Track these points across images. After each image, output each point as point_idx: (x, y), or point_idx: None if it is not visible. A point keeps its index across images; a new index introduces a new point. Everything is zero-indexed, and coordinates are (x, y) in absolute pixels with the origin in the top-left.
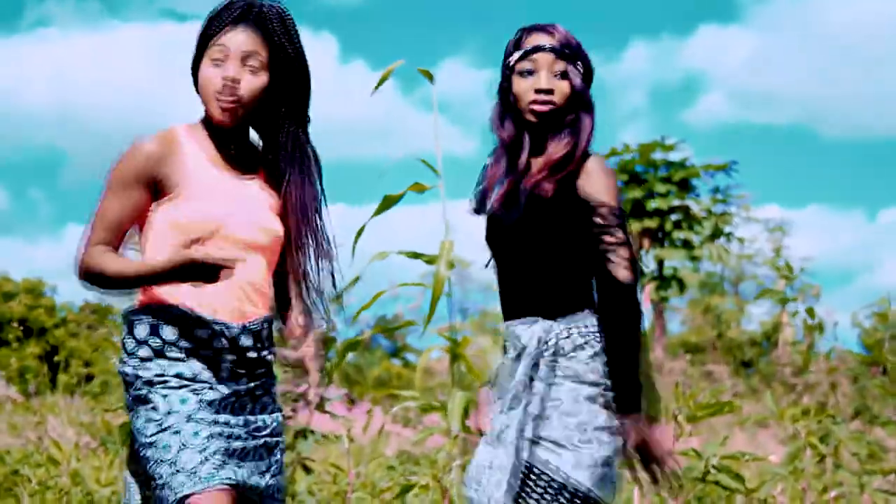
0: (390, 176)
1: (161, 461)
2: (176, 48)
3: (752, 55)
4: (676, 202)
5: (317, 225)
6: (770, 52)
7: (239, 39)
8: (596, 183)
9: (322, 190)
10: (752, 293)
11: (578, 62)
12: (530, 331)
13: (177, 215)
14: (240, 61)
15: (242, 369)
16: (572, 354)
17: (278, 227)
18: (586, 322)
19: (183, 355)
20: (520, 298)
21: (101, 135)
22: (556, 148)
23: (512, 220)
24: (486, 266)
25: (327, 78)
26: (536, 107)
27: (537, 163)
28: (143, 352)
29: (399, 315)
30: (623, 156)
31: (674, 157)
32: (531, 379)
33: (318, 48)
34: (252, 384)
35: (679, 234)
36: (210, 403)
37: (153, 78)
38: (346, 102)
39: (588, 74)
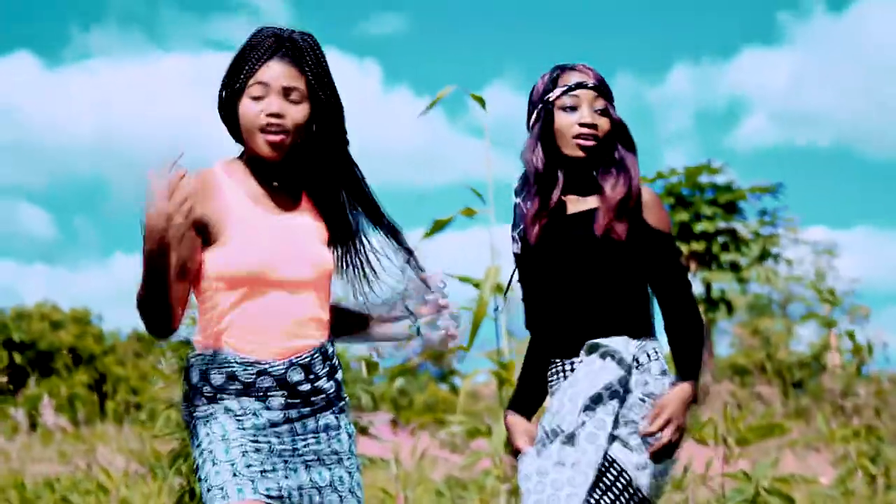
0: (435, 201)
1: (200, 481)
2: (220, 78)
3: (794, 76)
4: (723, 225)
5: (363, 238)
6: (812, 73)
7: (277, 73)
8: (656, 214)
9: (378, 204)
10: (801, 315)
11: (613, 103)
12: (625, 343)
13: (221, 265)
14: (281, 95)
15: (296, 399)
16: (656, 375)
17: (327, 259)
18: (655, 345)
19: (233, 396)
20: (596, 321)
21: (146, 165)
22: (614, 190)
23: (576, 253)
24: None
25: (371, 105)
26: (582, 141)
27: (580, 199)
28: (197, 399)
29: None
30: (669, 179)
31: (720, 179)
32: (621, 386)
33: (362, 75)
34: (309, 409)
35: (726, 257)
36: (252, 427)
37: (197, 108)
38: (391, 129)
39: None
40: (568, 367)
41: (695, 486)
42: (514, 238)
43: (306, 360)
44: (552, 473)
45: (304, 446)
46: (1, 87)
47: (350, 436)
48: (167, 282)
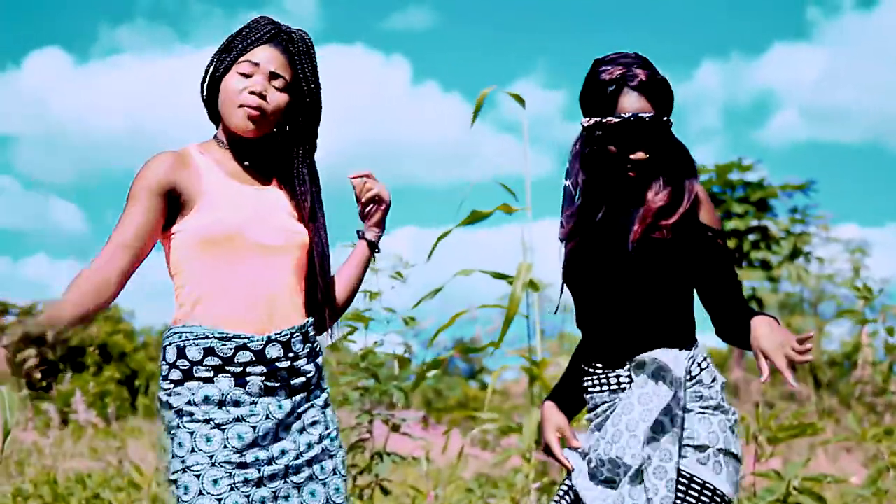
0: (467, 198)
1: (180, 501)
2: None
3: (823, 72)
4: (754, 222)
5: (327, 241)
6: (841, 69)
7: (268, 56)
8: (708, 211)
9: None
10: (832, 313)
11: (668, 113)
12: (674, 357)
13: (199, 230)
14: (267, 78)
15: (275, 383)
16: (709, 384)
17: (301, 230)
18: (702, 352)
19: (211, 374)
20: (641, 327)
21: None
22: (656, 196)
23: (617, 265)
24: (556, 310)
25: (400, 101)
26: (633, 174)
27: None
28: (174, 374)
29: (477, 338)
30: (700, 176)
31: (751, 177)
32: (680, 408)
33: (391, 72)
34: (291, 402)
35: (757, 255)
36: (239, 440)
37: None
38: (419, 125)
39: (671, 110)
40: (613, 381)
41: None
42: (561, 223)
43: (285, 336)
44: None
45: (293, 459)
46: (32, 83)
47: (337, 431)
48: (52, 339)
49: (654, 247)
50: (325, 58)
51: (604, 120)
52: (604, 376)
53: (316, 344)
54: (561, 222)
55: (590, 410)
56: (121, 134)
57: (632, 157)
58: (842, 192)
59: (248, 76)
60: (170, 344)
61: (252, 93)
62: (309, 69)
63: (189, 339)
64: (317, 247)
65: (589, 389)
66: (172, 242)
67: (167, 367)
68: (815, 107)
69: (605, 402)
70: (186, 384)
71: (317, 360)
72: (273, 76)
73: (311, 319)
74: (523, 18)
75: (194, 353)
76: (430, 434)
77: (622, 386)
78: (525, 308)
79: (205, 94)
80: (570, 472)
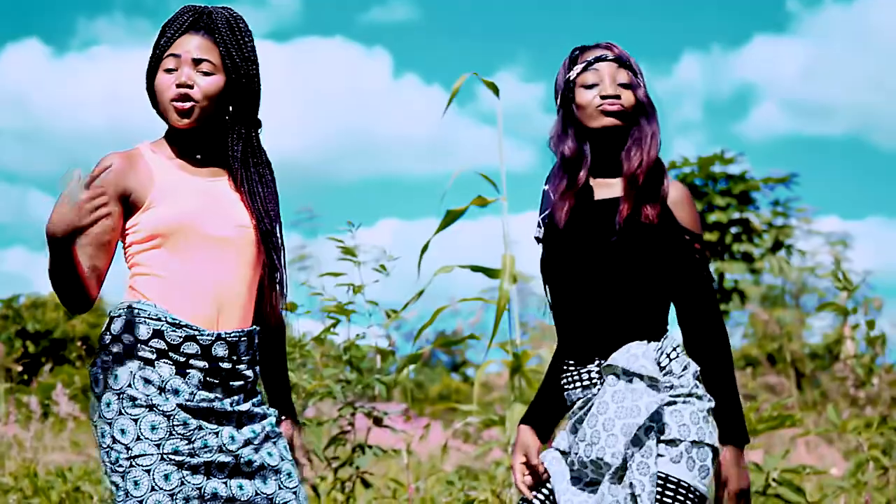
0: (447, 191)
1: (129, 495)
2: None
3: (804, 65)
4: (736, 215)
5: (280, 228)
6: (823, 62)
7: (190, 46)
8: (687, 212)
9: (277, 196)
10: (814, 306)
11: (639, 76)
12: (644, 351)
13: (149, 223)
14: (192, 66)
15: (215, 379)
16: (679, 373)
17: (251, 223)
18: (672, 343)
19: (153, 356)
20: (612, 321)
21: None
22: (629, 163)
23: (600, 241)
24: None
25: (381, 93)
26: (606, 107)
27: (608, 183)
28: (116, 347)
29: (459, 330)
30: (682, 169)
31: (733, 170)
32: (661, 406)
33: (372, 64)
34: (230, 400)
35: (739, 247)
36: (185, 427)
37: None
38: (401, 117)
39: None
40: (585, 376)
41: None
42: (538, 223)
43: (233, 338)
44: None
45: (242, 447)
46: (10, 75)
47: (275, 418)
48: (73, 261)
49: (636, 227)
50: (305, 50)
51: (570, 75)
52: (576, 373)
53: (257, 353)
54: (538, 223)
55: (567, 408)
56: (100, 127)
57: (599, 92)
58: (823, 185)
59: (173, 70)
60: (118, 316)
61: (179, 85)
62: (234, 46)
63: (140, 317)
64: (265, 238)
65: (565, 387)
66: (127, 238)
67: (110, 338)
68: (796, 100)
69: (580, 398)
70: (127, 362)
71: (255, 368)
72: (197, 62)
73: (257, 328)
74: (504, 11)
75: (142, 332)
76: (412, 426)
77: (594, 381)
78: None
79: (149, 95)
80: (547, 479)
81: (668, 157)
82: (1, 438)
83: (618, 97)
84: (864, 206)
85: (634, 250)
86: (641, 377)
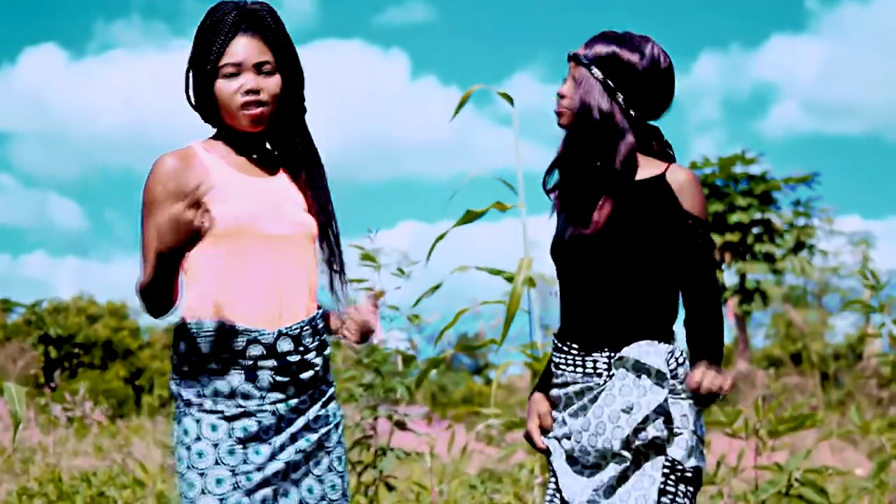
0: (465, 193)
1: (184, 496)
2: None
3: (823, 64)
4: (758, 215)
5: (335, 218)
6: (842, 61)
7: (246, 49)
8: (691, 198)
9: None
10: (836, 306)
11: (594, 67)
12: (655, 352)
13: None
14: (254, 71)
15: (285, 377)
16: (683, 379)
17: (309, 221)
18: (682, 349)
19: (220, 367)
20: (620, 309)
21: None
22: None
23: (592, 247)
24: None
25: (399, 95)
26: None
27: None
28: (185, 367)
29: (481, 333)
30: (703, 169)
31: (754, 170)
32: (666, 402)
33: (389, 66)
34: (297, 400)
35: (761, 248)
36: (243, 431)
37: None
38: (419, 119)
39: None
40: (589, 364)
41: (728, 479)
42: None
43: (296, 330)
44: (617, 490)
45: (293, 455)
46: (28, 79)
47: (339, 427)
48: (177, 271)
49: (611, 230)
50: (323, 53)
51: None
52: (579, 358)
53: (324, 337)
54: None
55: (556, 386)
56: (118, 130)
57: (558, 90)
58: (843, 185)
59: (234, 75)
60: (180, 335)
61: (248, 92)
62: (284, 40)
63: (200, 334)
64: (325, 233)
65: (560, 366)
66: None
67: (178, 359)
68: (815, 99)
69: (578, 383)
70: (199, 376)
71: (324, 353)
72: (258, 66)
73: (320, 311)
74: (522, 11)
75: (205, 347)
76: (435, 430)
77: (598, 371)
78: (526, 303)
79: (193, 101)
80: (550, 461)
81: (688, 156)
82: (25, 444)
83: (560, 97)
84: (885, 206)
85: (616, 253)
86: (650, 373)
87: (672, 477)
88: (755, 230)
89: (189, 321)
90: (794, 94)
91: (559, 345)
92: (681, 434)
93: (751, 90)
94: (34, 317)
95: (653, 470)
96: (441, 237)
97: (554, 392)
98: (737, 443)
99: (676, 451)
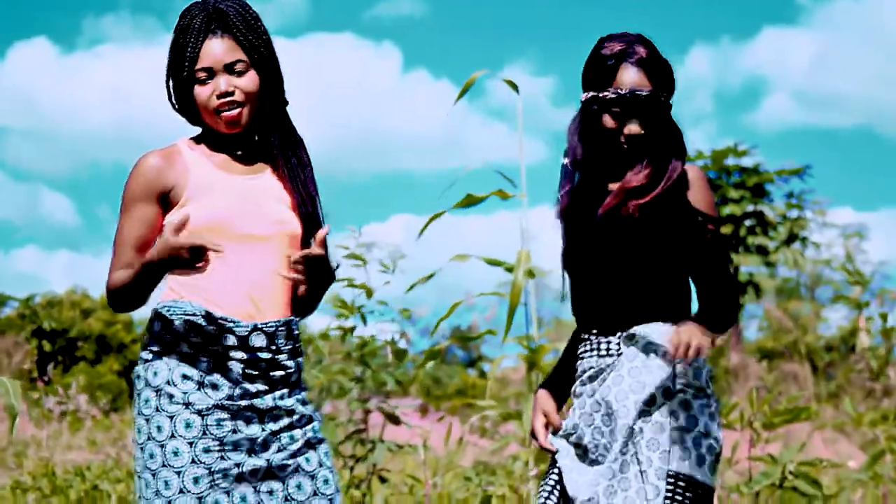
0: (462, 185)
1: (158, 493)
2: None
3: (815, 57)
4: (750, 208)
5: (320, 209)
6: (833, 54)
7: (215, 52)
8: (699, 194)
9: (314, 177)
10: (829, 298)
11: (667, 92)
12: (667, 333)
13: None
14: (226, 72)
15: (255, 371)
16: (696, 371)
17: (290, 219)
18: None
19: (191, 351)
20: (635, 293)
21: None
22: (636, 176)
23: (618, 234)
24: (562, 297)
25: (391, 89)
26: (626, 146)
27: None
28: (155, 346)
29: (474, 325)
30: (696, 162)
31: (747, 162)
32: (671, 382)
33: (381, 60)
34: (272, 396)
35: (754, 240)
36: (218, 427)
37: None
38: (411, 112)
39: (671, 91)
40: (604, 346)
41: (722, 470)
42: (558, 199)
43: (271, 328)
44: (619, 493)
45: (276, 452)
46: (19, 73)
47: (318, 424)
48: (158, 282)
49: (622, 223)
50: (314, 47)
51: (600, 94)
52: (596, 341)
53: (299, 344)
54: (557, 199)
55: (578, 379)
56: (108, 125)
57: (626, 131)
58: (834, 177)
59: (208, 80)
60: (157, 317)
61: (220, 95)
62: (253, 36)
63: (177, 314)
64: (307, 221)
65: (581, 356)
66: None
67: (149, 337)
68: (807, 91)
69: (592, 367)
70: (165, 358)
71: (297, 359)
72: (229, 67)
73: (295, 318)
74: (513, 5)
75: (179, 326)
76: (429, 422)
77: (611, 352)
78: (523, 296)
79: (175, 104)
80: (554, 458)
81: None
82: (18, 437)
83: (643, 135)
84: (877, 198)
85: (619, 238)
86: (658, 352)
87: (679, 492)
88: (748, 222)
89: (166, 302)
90: (786, 86)
91: (582, 336)
92: (688, 433)
93: (743, 83)
94: (28, 311)
95: (657, 479)
96: (437, 216)
97: (577, 388)
98: (731, 434)
99: (681, 463)
